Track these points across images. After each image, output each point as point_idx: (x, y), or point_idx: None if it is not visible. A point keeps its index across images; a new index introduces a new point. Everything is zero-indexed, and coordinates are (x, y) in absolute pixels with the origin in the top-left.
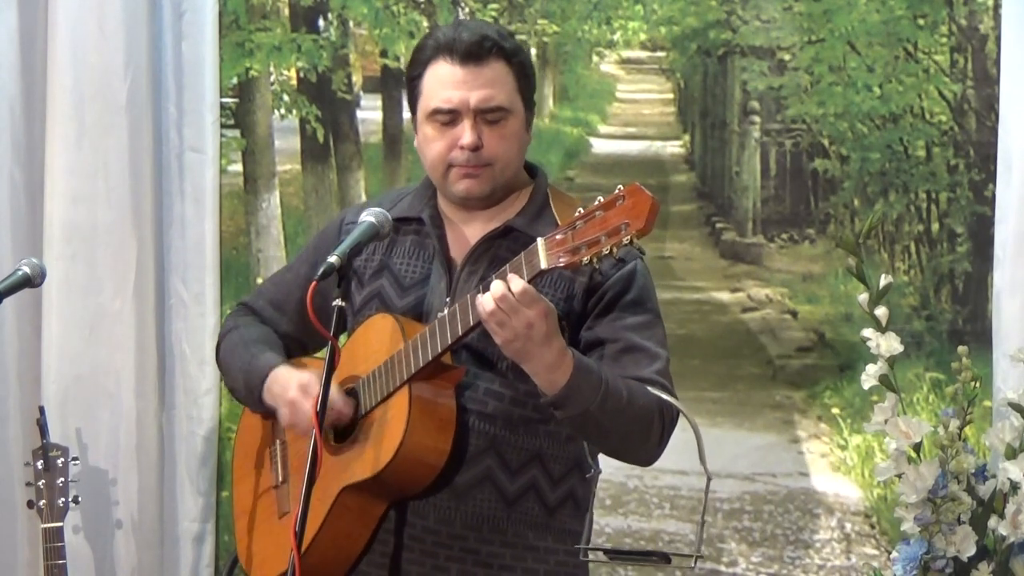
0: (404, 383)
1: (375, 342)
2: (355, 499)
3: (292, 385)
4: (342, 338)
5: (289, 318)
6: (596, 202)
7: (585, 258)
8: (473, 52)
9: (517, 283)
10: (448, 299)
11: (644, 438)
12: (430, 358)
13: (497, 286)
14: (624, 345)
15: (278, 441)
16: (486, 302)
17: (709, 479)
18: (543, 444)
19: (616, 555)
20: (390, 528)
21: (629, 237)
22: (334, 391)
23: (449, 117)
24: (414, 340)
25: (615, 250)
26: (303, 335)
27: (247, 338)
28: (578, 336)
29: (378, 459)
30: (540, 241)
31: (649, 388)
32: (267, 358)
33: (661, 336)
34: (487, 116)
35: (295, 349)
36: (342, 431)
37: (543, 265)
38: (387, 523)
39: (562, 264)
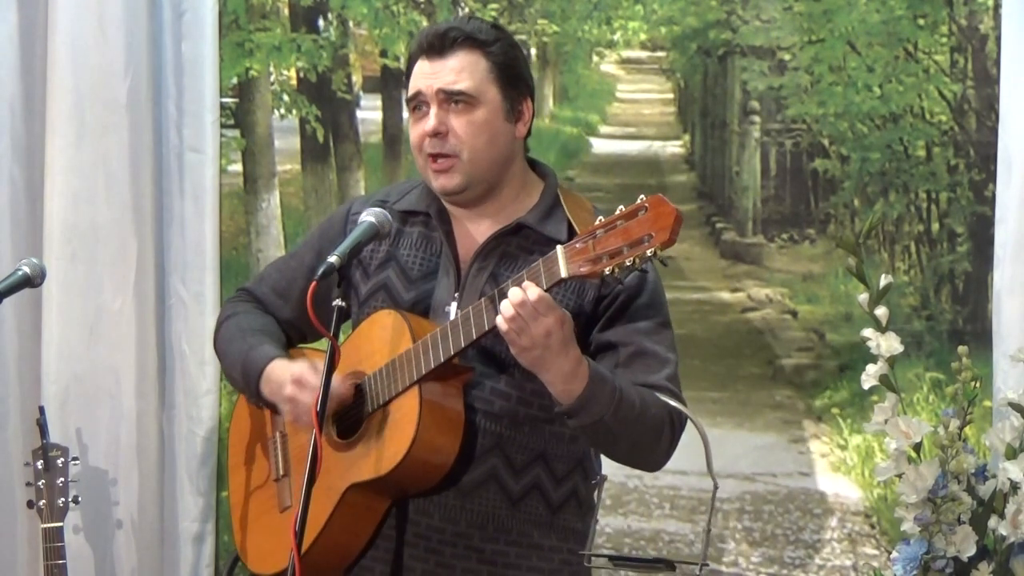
0: (413, 384)
1: (380, 339)
2: (360, 497)
3: (287, 380)
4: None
5: (292, 306)
6: (618, 211)
7: (606, 269)
8: (436, 44)
9: (534, 291)
10: (457, 294)
11: (655, 445)
12: (442, 360)
13: (516, 293)
14: (636, 349)
15: (278, 433)
16: (505, 309)
17: (716, 487)
18: (547, 443)
19: (620, 562)
20: (393, 524)
21: (653, 249)
22: (336, 377)
23: (418, 104)
24: (424, 341)
25: (638, 262)
26: (304, 324)
27: (246, 326)
28: (588, 338)
29: (388, 459)
30: (560, 249)
31: (659, 395)
32: (265, 350)
33: (671, 340)
34: (454, 103)
35: (295, 337)
36: (347, 427)
37: (563, 274)
38: (391, 519)
39: (583, 273)
